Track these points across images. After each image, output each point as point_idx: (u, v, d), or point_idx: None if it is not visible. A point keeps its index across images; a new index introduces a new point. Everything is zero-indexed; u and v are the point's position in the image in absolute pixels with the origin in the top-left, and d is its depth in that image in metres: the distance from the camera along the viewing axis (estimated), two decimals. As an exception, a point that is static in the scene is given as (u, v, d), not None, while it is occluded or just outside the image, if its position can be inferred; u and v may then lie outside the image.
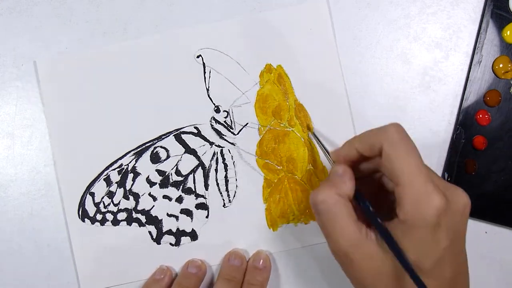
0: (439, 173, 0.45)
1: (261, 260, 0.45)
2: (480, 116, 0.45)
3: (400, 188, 0.33)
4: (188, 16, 0.46)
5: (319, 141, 0.44)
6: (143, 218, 0.46)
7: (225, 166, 0.46)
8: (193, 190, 0.46)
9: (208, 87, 0.46)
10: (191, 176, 0.46)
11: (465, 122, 0.45)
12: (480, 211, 0.45)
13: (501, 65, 0.45)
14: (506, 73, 0.45)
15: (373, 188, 0.39)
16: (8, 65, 0.46)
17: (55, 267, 0.45)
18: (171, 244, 0.46)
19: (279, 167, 0.46)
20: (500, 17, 0.45)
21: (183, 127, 0.46)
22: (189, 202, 0.46)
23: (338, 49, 0.46)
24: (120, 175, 0.45)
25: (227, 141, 0.46)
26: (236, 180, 0.46)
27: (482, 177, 0.45)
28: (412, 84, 0.46)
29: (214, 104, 0.46)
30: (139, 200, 0.46)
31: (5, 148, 0.46)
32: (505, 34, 0.45)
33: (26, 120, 0.46)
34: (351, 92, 0.46)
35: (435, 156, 0.46)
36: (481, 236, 0.46)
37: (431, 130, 0.46)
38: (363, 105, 0.46)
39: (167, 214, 0.46)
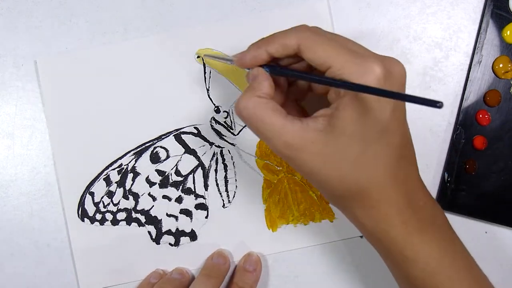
0: (439, 173, 0.45)
1: (252, 263, 0.44)
2: (480, 116, 0.45)
3: (334, 67, 0.32)
4: (188, 16, 0.46)
5: (215, 57, 0.41)
6: (142, 218, 0.46)
7: (225, 166, 0.46)
8: (193, 190, 0.46)
9: (209, 87, 0.46)
10: (190, 176, 0.46)
11: (465, 122, 0.45)
12: (480, 211, 0.45)
13: (501, 65, 0.45)
14: (506, 73, 0.45)
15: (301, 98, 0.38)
16: (8, 65, 0.46)
17: (55, 267, 0.45)
18: (170, 244, 0.46)
19: (279, 168, 0.46)
20: (500, 17, 0.45)
21: (183, 127, 0.46)
22: (189, 202, 0.46)
23: (338, 49, 0.46)
24: (120, 175, 0.45)
25: (227, 141, 0.46)
26: (236, 180, 0.46)
27: (482, 177, 0.45)
28: (412, 84, 0.46)
29: (214, 104, 0.46)
30: (139, 200, 0.46)
31: (5, 148, 0.46)
32: (505, 34, 0.45)
33: (26, 120, 0.46)
34: (351, 92, 0.46)
35: (435, 156, 0.46)
36: (481, 236, 0.46)
37: (431, 130, 0.46)
38: (363, 105, 0.46)
39: (167, 214, 0.46)
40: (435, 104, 0.28)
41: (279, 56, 0.34)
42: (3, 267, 0.45)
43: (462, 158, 0.45)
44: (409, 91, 0.46)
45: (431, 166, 0.46)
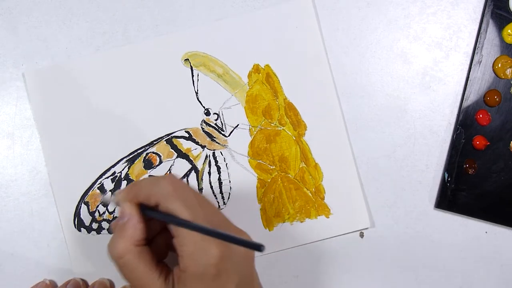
0: (439, 173, 0.45)
1: None
2: (480, 116, 0.45)
3: (178, 240, 0.33)
4: (188, 16, 0.46)
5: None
6: None
7: (218, 168, 0.46)
8: None
9: (197, 90, 0.46)
10: (184, 180, 0.46)
11: (465, 122, 0.45)
12: (480, 211, 0.45)
13: (500, 65, 0.45)
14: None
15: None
16: (8, 65, 0.46)
17: (55, 267, 0.45)
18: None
19: (272, 167, 0.46)
20: (500, 17, 0.45)
21: (174, 132, 0.46)
22: None
23: (339, 49, 0.46)
24: (114, 183, 0.45)
25: (218, 143, 0.46)
26: (230, 182, 0.46)
27: (482, 177, 0.45)
28: (412, 84, 0.46)
29: (204, 107, 0.46)
30: None
31: (5, 148, 0.46)
32: (505, 34, 0.45)
33: (26, 120, 0.46)
34: (352, 92, 0.46)
35: (435, 156, 0.46)
36: (481, 236, 0.46)
37: (431, 130, 0.46)
38: (363, 104, 0.46)
39: None
40: (258, 248, 0.30)
41: (149, 205, 0.35)
42: (3, 267, 0.45)
43: (462, 158, 0.45)
44: (409, 90, 0.46)
45: (431, 166, 0.46)
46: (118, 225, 0.35)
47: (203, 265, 0.32)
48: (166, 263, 0.37)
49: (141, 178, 0.36)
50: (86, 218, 0.45)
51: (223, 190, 0.46)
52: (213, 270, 0.32)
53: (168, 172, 0.46)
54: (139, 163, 0.45)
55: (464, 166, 0.45)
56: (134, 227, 0.34)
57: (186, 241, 0.33)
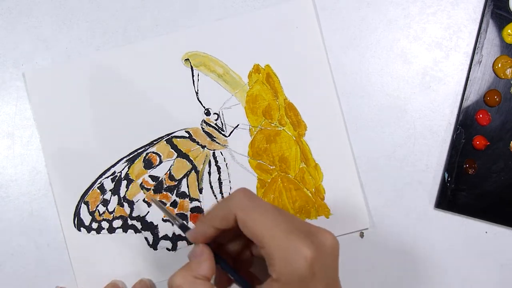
0: (439, 173, 0.45)
1: None
2: (480, 116, 0.45)
3: (266, 249, 0.32)
4: (188, 16, 0.46)
5: (163, 209, 0.40)
6: (138, 225, 0.45)
7: (218, 168, 0.46)
8: (187, 194, 0.46)
9: (197, 90, 0.46)
10: (184, 180, 0.46)
11: (465, 122, 0.45)
12: (480, 211, 0.45)
13: (500, 65, 0.45)
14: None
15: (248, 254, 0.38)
16: (8, 65, 0.46)
17: (55, 267, 0.45)
18: (168, 249, 0.45)
19: (272, 167, 0.46)
20: (500, 17, 0.45)
21: (174, 132, 0.46)
22: (184, 206, 0.46)
23: (339, 49, 0.46)
24: (114, 183, 0.45)
25: (218, 143, 0.46)
26: (230, 182, 0.46)
27: (482, 177, 0.45)
28: (412, 84, 0.46)
29: (204, 107, 0.46)
30: (134, 206, 0.45)
31: (5, 148, 0.46)
32: (505, 34, 0.45)
33: (26, 120, 0.46)
34: (352, 92, 0.46)
35: (435, 156, 0.46)
36: (481, 236, 0.46)
37: (431, 130, 0.46)
38: (363, 104, 0.46)
39: (163, 219, 0.46)
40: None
41: (226, 227, 0.34)
42: (3, 267, 0.45)
43: (462, 158, 0.45)
44: (409, 90, 0.46)
45: (431, 166, 0.46)
46: (188, 262, 0.35)
47: (298, 268, 0.31)
48: None
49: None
50: (86, 217, 0.45)
51: (223, 190, 0.46)
52: (307, 272, 0.32)
53: (168, 172, 0.46)
54: (139, 163, 0.45)
55: (464, 166, 0.45)
56: (201, 263, 0.34)
57: (275, 247, 0.32)
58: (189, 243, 0.45)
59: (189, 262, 0.35)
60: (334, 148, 0.46)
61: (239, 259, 0.38)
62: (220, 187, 0.46)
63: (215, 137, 0.46)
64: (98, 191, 0.45)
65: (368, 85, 0.46)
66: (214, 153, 0.46)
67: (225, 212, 0.34)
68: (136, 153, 0.46)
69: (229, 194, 0.35)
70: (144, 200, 0.45)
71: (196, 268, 0.34)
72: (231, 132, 0.46)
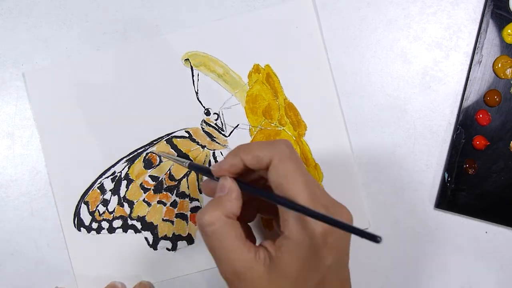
0: (439, 173, 0.45)
1: None
2: (480, 116, 0.45)
3: (290, 194, 0.32)
4: (188, 16, 0.46)
5: (170, 157, 0.40)
6: (138, 225, 0.45)
7: None
8: (187, 194, 0.46)
9: (197, 90, 0.46)
10: (184, 180, 0.46)
11: (465, 122, 0.45)
12: (480, 211, 0.45)
13: (500, 65, 0.45)
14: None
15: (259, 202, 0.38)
16: (8, 65, 0.46)
17: (55, 267, 0.45)
18: (167, 249, 0.45)
19: None
20: (500, 17, 0.45)
21: (174, 132, 0.46)
22: (184, 206, 0.46)
23: (339, 49, 0.46)
24: (114, 183, 0.45)
25: (218, 143, 0.46)
26: None
27: (482, 177, 0.45)
28: (412, 84, 0.46)
29: (204, 107, 0.46)
30: (134, 206, 0.45)
31: (5, 148, 0.46)
32: (505, 34, 0.45)
33: (26, 120, 0.46)
34: (352, 92, 0.46)
35: (435, 156, 0.46)
36: (481, 236, 0.46)
37: (431, 130, 0.46)
38: (363, 105, 0.46)
39: (162, 219, 0.46)
40: (375, 238, 0.28)
41: (253, 168, 0.34)
42: (3, 267, 0.45)
43: (462, 158, 0.45)
44: (409, 90, 0.46)
45: (431, 166, 0.46)
46: (215, 198, 0.34)
47: (311, 232, 0.31)
48: (255, 243, 0.35)
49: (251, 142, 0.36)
50: (86, 217, 0.45)
51: None
52: (320, 239, 0.31)
53: (168, 172, 0.46)
54: (139, 163, 0.45)
55: (464, 166, 0.45)
56: (231, 201, 0.34)
57: (298, 194, 0.32)
58: (189, 243, 0.45)
59: (219, 198, 0.34)
60: (334, 148, 0.46)
61: (243, 219, 0.37)
62: None
63: (215, 137, 0.46)
64: (98, 191, 0.45)
65: (368, 85, 0.46)
66: (214, 153, 0.46)
67: (263, 153, 0.33)
68: (136, 153, 0.46)
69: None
70: (144, 200, 0.45)
71: (226, 205, 0.34)
72: (231, 132, 0.46)
